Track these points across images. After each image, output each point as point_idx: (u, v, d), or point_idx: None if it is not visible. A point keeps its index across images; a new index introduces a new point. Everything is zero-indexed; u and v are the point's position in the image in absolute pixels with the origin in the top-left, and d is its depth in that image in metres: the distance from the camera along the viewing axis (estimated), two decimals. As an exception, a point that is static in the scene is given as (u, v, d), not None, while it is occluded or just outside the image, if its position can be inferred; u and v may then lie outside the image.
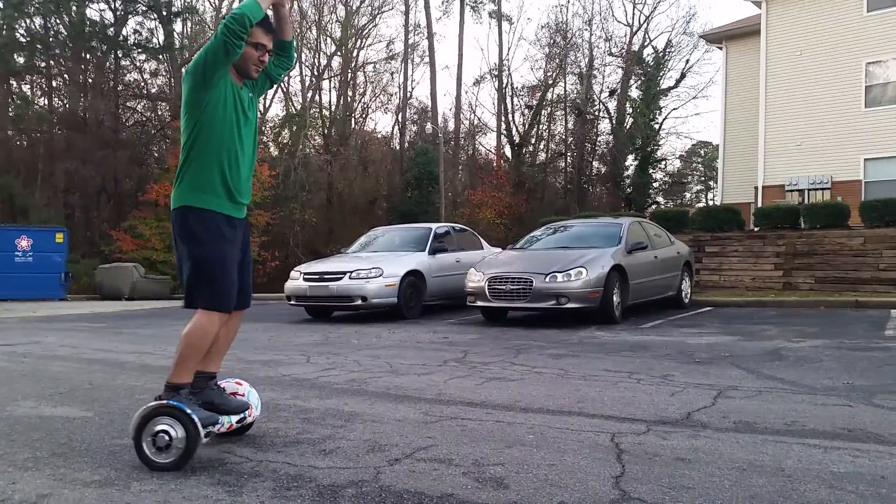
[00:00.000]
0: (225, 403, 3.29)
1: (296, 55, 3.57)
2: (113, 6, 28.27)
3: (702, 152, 51.39)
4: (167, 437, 2.90)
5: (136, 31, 28.73)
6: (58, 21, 27.62)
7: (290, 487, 2.66)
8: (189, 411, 2.92)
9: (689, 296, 11.34)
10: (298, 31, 32.29)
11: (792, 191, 19.64)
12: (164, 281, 20.11)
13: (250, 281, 3.44)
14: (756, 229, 14.65)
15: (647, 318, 9.37)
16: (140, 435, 2.95)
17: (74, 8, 26.89)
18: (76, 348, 7.58)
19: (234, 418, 3.28)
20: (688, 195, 52.94)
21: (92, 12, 28.13)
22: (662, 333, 7.82)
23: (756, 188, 20.86)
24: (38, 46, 27.37)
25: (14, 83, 28.14)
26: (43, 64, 28.26)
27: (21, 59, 27.23)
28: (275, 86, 3.54)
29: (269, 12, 3.24)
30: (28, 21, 27.44)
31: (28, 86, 29.18)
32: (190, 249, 3.11)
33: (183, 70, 3.08)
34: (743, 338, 7.23)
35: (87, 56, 27.91)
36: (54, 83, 29.23)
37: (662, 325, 8.67)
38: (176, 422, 2.91)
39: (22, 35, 27.30)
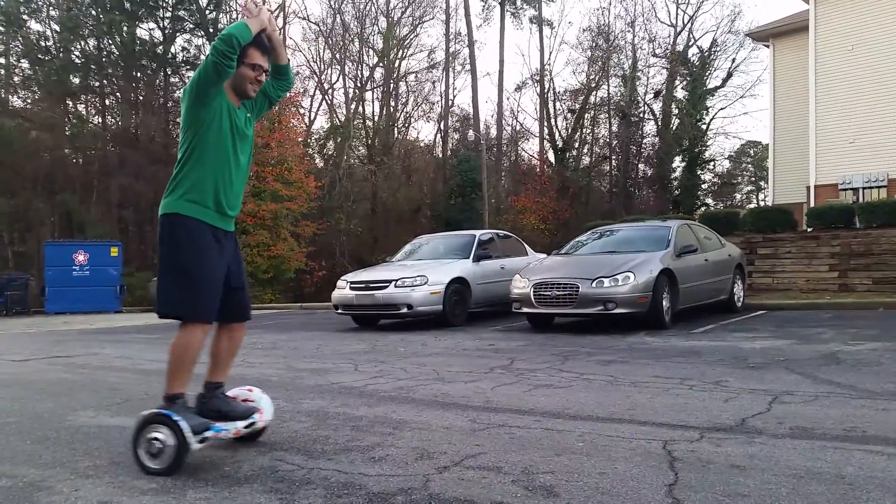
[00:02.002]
0: (232, 410, 3.40)
1: (294, 77, 3.70)
2: (161, 25, 29.15)
3: (751, 152, 50.38)
4: (159, 444, 3.03)
5: (184, 49, 29.60)
6: (110, 42, 28.60)
7: (340, 495, 2.68)
8: (177, 419, 3.03)
9: (741, 299, 11.08)
10: (342, 43, 32.80)
11: (846, 189, 19.07)
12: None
13: (246, 293, 3.52)
14: (809, 230, 14.27)
15: (699, 323, 9.19)
16: (136, 442, 3.09)
17: (125, 28, 27.80)
18: (132, 359, 7.79)
19: (242, 424, 3.39)
20: (738, 196, 51.93)
21: (142, 32, 29.09)
22: (714, 338, 7.66)
23: (808, 188, 20.32)
24: (92, 67, 28.38)
25: (70, 103, 29.19)
26: (97, 83, 29.28)
27: (76, 80, 28.25)
28: (274, 105, 3.72)
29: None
30: (83, 43, 28.46)
31: (83, 105, 30.25)
32: (174, 257, 3.20)
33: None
34: (798, 341, 7.04)
35: (138, 74, 28.80)
36: (107, 101, 30.24)
37: (714, 330, 8.49)
38: (167, 430, 3.03)
39: (77, 57, 28.34)
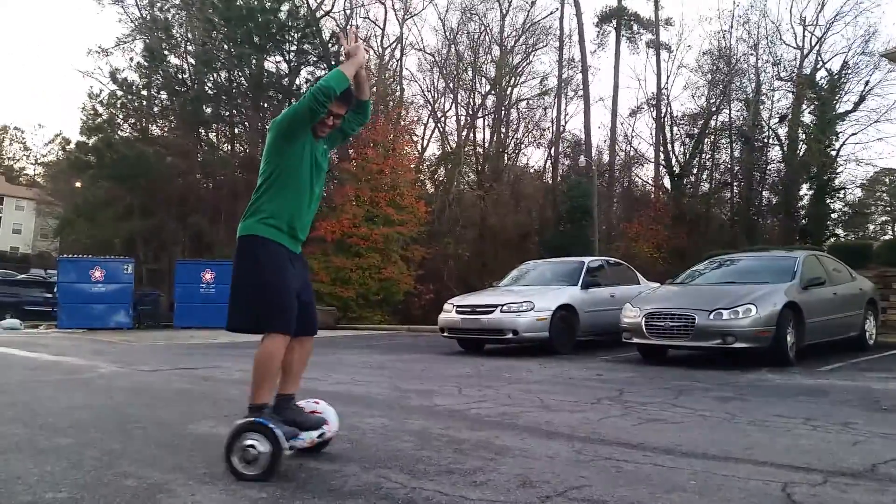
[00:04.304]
0: (304, 421, 3.57)
1: (371, 112, 3.93)
2: (287, 58, 30.74)
3: (886, 180, 46.91)
4: (254, 451, 3.17)
5: (307, 81, 31.00)
6: (240, 74, 30.46)
7: (441, 517, 2.67)
8: (273, 427, 3.19)
9: (873, 337, 10.28)
10: (455, 72, 33.45)
11: None
12: (329, 311, 21.17)
13: (314, 308, 3.72)
14: (954, 264, 13.10)
15: (825, 361, 8.59)
16: (230, 449, 3.24)
17: (254, 61, 29.54)
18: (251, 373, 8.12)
19: (315, 433, 3.56)
20: (871, 227, 48.45)
21: (269, 64, 30.78)
22: (843, 377, 7.14)
23: (954, 218, 18.66)
24: (223, 98, 30.29)
25: (202, 131, 31.26)
26: (227, 113, 31.20)
27: (208, 110, 30.28)
28: (349, 139, 4.09)
29: None
30: (215, 75, 30.50)
31: (214, 133, 32.30)
32: (255, 274, 3.42)
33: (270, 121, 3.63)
34: (941, 385, 6.43)
35: (265, 105, 30.44)
36: (236, 130, 32.14)
37: (843, 368, 7.91)
38: (262, 437, 3.19)
39: (210, 88, 30.37)
